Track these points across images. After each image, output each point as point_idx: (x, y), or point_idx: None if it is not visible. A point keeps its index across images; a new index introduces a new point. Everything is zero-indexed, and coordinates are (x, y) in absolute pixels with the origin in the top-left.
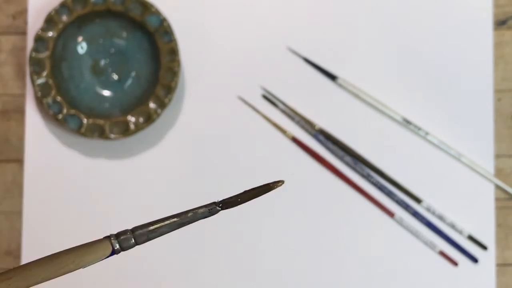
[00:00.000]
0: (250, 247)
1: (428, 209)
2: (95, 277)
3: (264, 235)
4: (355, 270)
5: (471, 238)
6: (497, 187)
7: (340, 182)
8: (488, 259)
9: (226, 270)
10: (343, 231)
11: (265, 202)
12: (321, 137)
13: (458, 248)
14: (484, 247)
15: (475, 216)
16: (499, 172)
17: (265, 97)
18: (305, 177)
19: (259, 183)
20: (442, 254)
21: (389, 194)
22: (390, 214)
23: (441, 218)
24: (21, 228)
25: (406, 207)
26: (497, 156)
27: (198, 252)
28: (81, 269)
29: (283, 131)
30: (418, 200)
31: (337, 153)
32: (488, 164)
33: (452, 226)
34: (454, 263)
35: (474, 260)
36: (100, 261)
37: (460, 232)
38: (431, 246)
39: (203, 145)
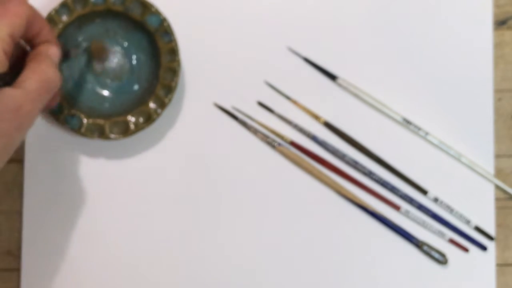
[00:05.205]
0: (251, 241)
1: (435, 200)
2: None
3: (268, 226)
4: (361, 265)
5: (477, 229)
6: (497, 187)
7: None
8: (488, 259)
9: (219, 276)
10: (349, 228)
11: (267, 198)
12: (320, 139)
13: (465, 237)
14: (490, 237)
15: (475, 216)
16: (499, 172)
17: (261, 104)
18: (308, 178)
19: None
20: (452, 241)
21: (393, 190)
22: (396, 207)
23: (448, 209)
24: (21, 228)
25: (410, 201)
26: (497, 156)
27: (199, 252)
28: None
29: (280, 136)
30: (424, 192)
31: (337, 154)
32: (488, 164)
33: (459, 217)
34: (465, 249)
35: (483, 248)
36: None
37: (467, 223)
38: (440, 235)
39: (203, 145)
